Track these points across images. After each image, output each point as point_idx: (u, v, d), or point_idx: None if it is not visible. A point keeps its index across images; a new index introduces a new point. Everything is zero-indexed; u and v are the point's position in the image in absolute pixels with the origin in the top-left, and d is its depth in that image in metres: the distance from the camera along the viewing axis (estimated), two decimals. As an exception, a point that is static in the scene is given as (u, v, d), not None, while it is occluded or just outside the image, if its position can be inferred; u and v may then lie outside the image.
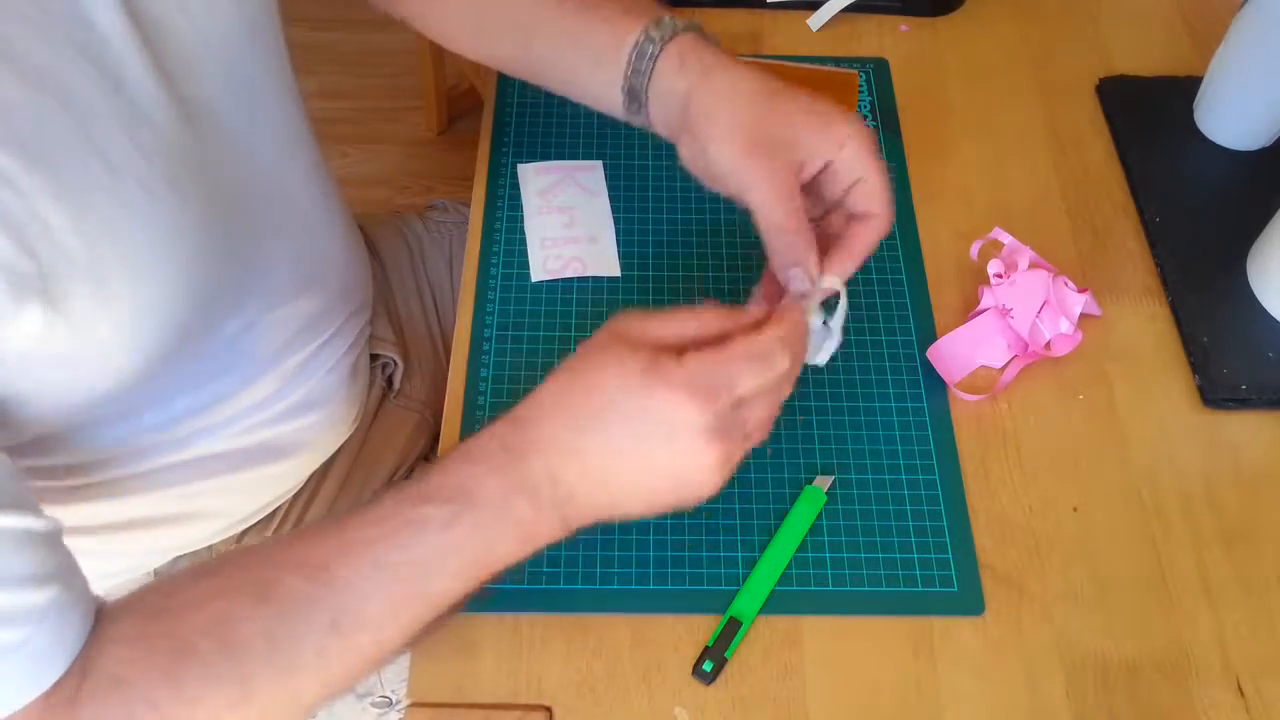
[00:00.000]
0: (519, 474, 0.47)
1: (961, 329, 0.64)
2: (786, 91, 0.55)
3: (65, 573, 0.45)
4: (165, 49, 0.49)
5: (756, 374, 0.47)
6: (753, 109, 0.54)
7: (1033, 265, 0.64)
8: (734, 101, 0.54)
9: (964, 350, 0.64)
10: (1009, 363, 0.64)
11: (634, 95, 0.57)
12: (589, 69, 0.59)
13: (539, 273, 0.68)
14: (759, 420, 0.49)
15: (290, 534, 0.51)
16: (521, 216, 0.71)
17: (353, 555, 0.46)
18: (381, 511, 0.47)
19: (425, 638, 0.49)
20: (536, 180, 0.72)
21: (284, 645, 0.45)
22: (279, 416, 0.66)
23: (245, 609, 0.45)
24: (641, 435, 0.46)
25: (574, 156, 0.74)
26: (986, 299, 0.65)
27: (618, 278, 0.68)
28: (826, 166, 0.54)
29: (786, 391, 0.50)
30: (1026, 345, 0.63)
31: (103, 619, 0.46)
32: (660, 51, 0.55)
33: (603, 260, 0.69)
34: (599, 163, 0.73)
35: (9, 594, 0.42)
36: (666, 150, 0.74)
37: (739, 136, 0.54)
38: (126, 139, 0.46)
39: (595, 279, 0.68)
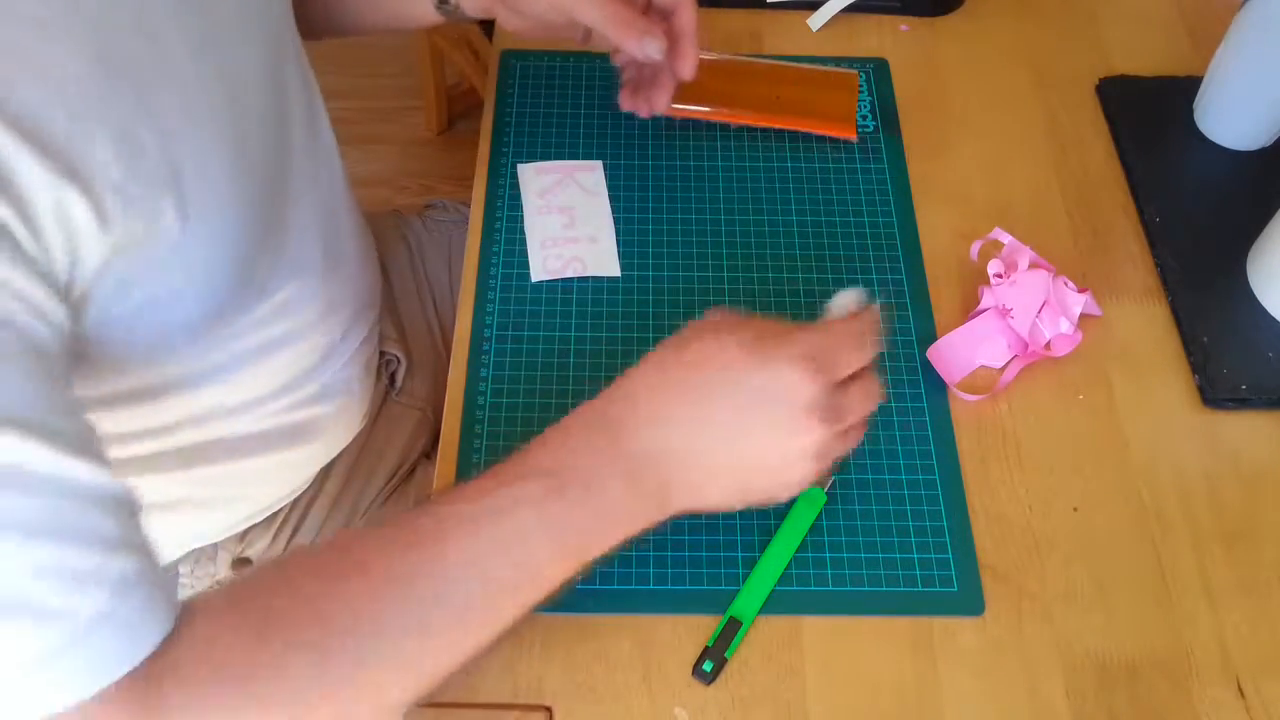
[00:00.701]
0: (616, 450, 0.48)
1: (961, 329, 0.64)
2: None
3: (149, 545, 0.43)
4: (212, 10, 0.51)
5: (858, 356, 0.49)
6: None
7: (1033, 265, 0.64)
8: None
9: (964, 350, 0.64)
10: (1009, 363, 0.64)
11: None
12: None
13: (539, 273, 0.68)
14: (857, 415, 0.50)
15: (386, 517, 0.51)
16: (521, 216, 0.71)
17: (451, 532, 0.46)
18: (481, 487, 0.47)
19: (514, 628, 0.48)
20: (536, 180, 0.72)
21: (383, 621, 0.44)
22: (304, 401, 0.67)
23: (341, 585, 0.45)
24: (745, 407, 0.47)
25: (574, 156, 0.74)
26: (986, 299, 0.65)
27: (618, 278, 0.68)
28: None
29: (876, 396, 0.51)
30: (1026, 345, 0.63)
31: (192, 600, 0.45)
32: None
33: (603, 260, 0.69)
34: (599, 163, 0.73)
35: (95, 555, 0.40)
36: (666, 150, 0.74)
37: None
38: (196, 75, 0.48)
39: (595, 279, 0.68)
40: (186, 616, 0.43)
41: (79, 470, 0.40)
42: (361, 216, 0.74)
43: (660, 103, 0.67)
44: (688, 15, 0.62)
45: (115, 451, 0.59)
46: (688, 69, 0.63)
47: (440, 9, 0.67)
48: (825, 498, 0.59)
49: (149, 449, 0.61)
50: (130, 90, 0.44)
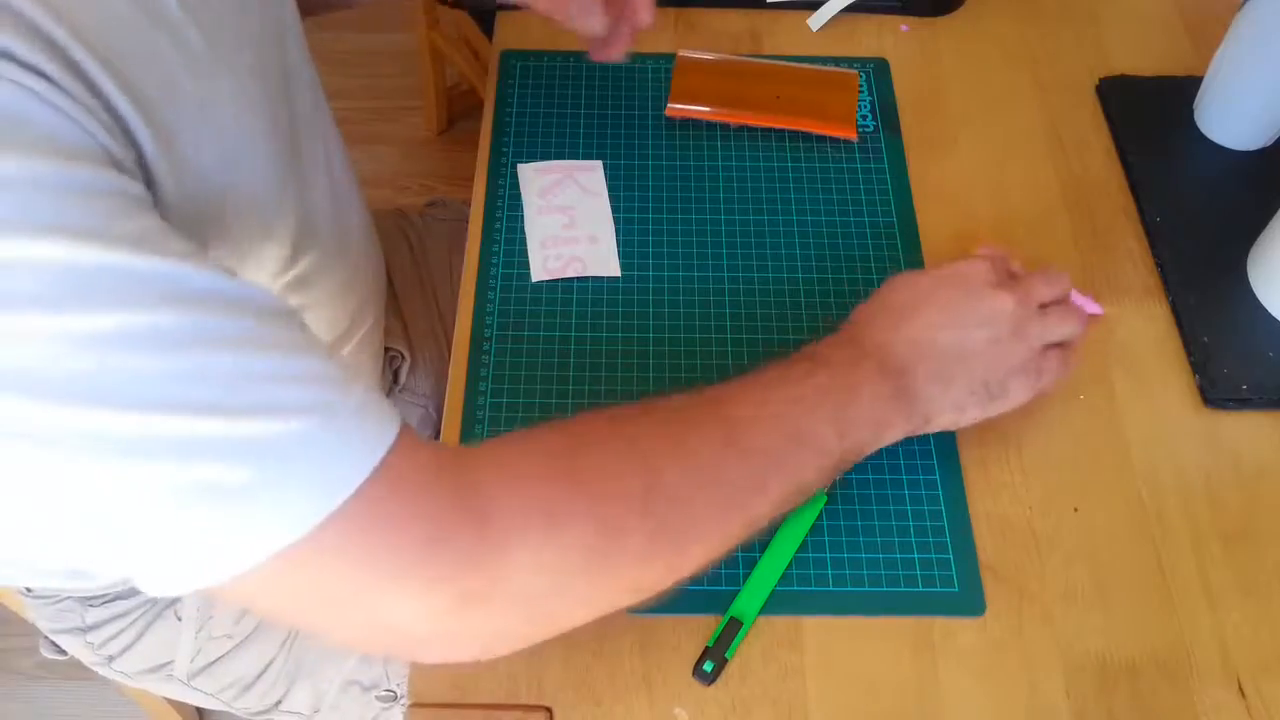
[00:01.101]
0: (859, 346, 0.55)
1: None
2: None
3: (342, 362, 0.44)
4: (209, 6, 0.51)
5: (1045, 287, 0.58)
6: None
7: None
8: None
9: None
10: None
11: None
12: None
13: (539, 272, 0.68)
14: (1044, 294, 0.58)
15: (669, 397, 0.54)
16: (521, 216, 0.71)
17: (737, 393, 0.51)
18: (752, 374, 0.53)
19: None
20: (536, 180, 0.72)
21: (685, 448, 0.48)
22: None
23: (648, 427, 0.49)
24: (947, 301, 0.56)
25: (574, 156, 0.74)
26: None
27: (617, 278, 0.68)
28: None
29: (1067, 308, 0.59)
30: None
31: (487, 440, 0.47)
32: None
33: (603, 260, 0.69)
34: (599, 163, 0.73)
35: (309, 359, 0.40)
36: (667, 150, 0.74)
37: None
38: (219, 28, 0.48)
39: (595, 279, 0.68)
40: (483, 449, 0.45)
41: (261, 293, 0.40)
42: (365, 205, 0.74)
43: (618, 51, 0.67)
44: None
45: None
46: (645, 17, 0.66)
47: None
48: (825, 498, 0.59)
49: None
50: (164, 37, 0.44)
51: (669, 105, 0.76)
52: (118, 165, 0.39)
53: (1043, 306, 0.57)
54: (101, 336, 0.35)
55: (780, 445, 0.50)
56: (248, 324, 0.39)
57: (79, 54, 0.38)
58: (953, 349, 0.55)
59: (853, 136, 0.75)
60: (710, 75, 0.77)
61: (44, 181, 0.35)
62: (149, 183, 0.43)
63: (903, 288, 0.58)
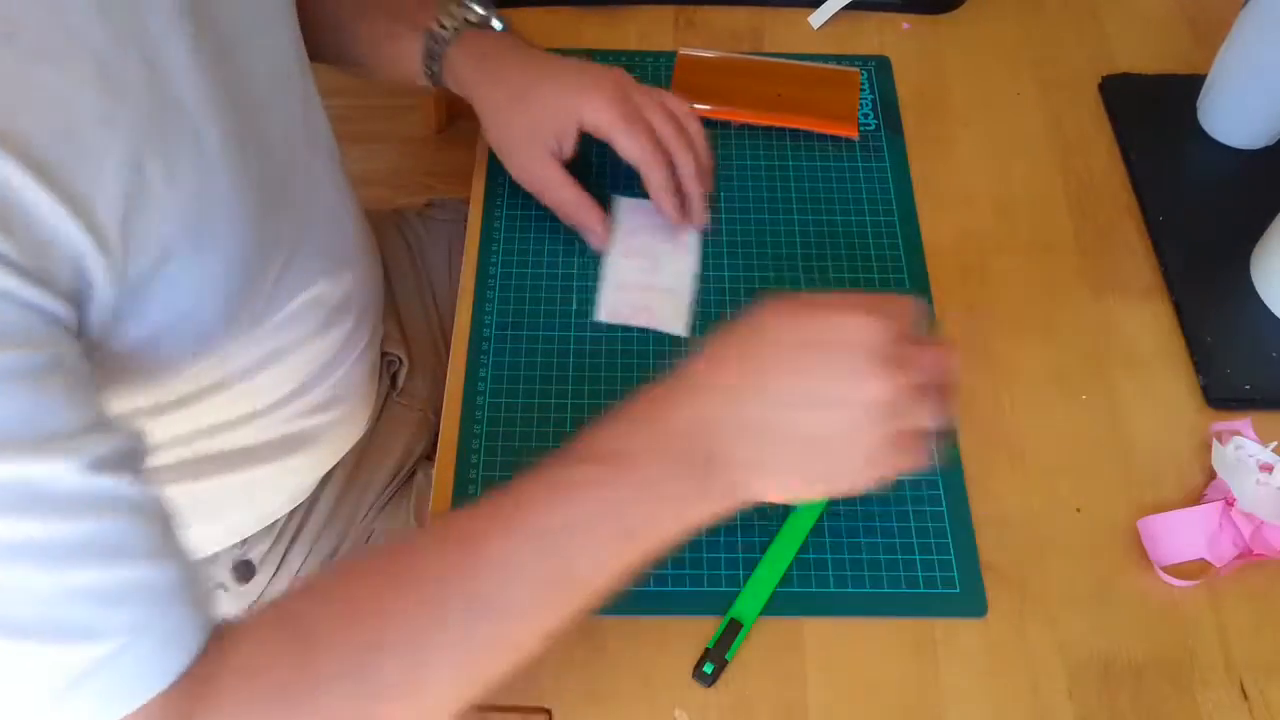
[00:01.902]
0: (670, 429, 0.45)
1: (1185, 512, 0.58)
2: (536, 87, 0.65)
3: (188, 557, 0.43)
4: (220, 18, 0.50)
5: (906, 314, 0.47)
6: (500, 118, 0.66)
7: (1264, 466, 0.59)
8: (489, 118, 0.67)
9: (1185, 536, 0.58)
10: (1231, 560, 0.57)
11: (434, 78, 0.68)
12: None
13: (604, 313, 0.65)
14: (927, 369, 0.46)
15: (437, 518, 0.51)
16: (521, 215, 0.70)
17: (499, 526, 0.44)
18: (534, 476, 0.46)
19: (573, 625, 0.45)
20: (629, 218, 0.70)
21: (421, 629, 0.43)
22: (309, 410, 0.67)
23: (392, 593, 0.44)
24: (800, 367, 0.45)
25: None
26: (1216, 489, 0.59)
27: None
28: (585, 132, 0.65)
29: (945, 359, 0.48)
30: (1248, 544, 0.57)
31: (237, 620, 0.44)
32: (441, 70, 0.67)
33: (672, 316, 0.66)
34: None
35: (135, 568, 0.39)
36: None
37: (500, 151, 0.67)
38: (200, 100, 0.48)
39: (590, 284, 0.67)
40: (231, 637, 0.43)
41: (111, 484, 0.40)
42: (362, 213, 0.74)
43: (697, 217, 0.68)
44: (655, 184, 0.66)
45: None
46: (695, 218, 0.68)
47: (427, 74, 0.68)
48: (827, 499, 0.58)
49: (159, 461, 0.60)
50: (132, 119, 0.43)
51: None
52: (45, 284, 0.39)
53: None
54: None
55: (541, 591, 0.44)
56: (86, 527, 0.39)
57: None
58: (790, 439, 0.45)
59: (854, 135, 0.74)
60: (711, 73, 0.77)
61: None
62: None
63: (753, 328, 0.47)
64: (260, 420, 0.64)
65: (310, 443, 0.69)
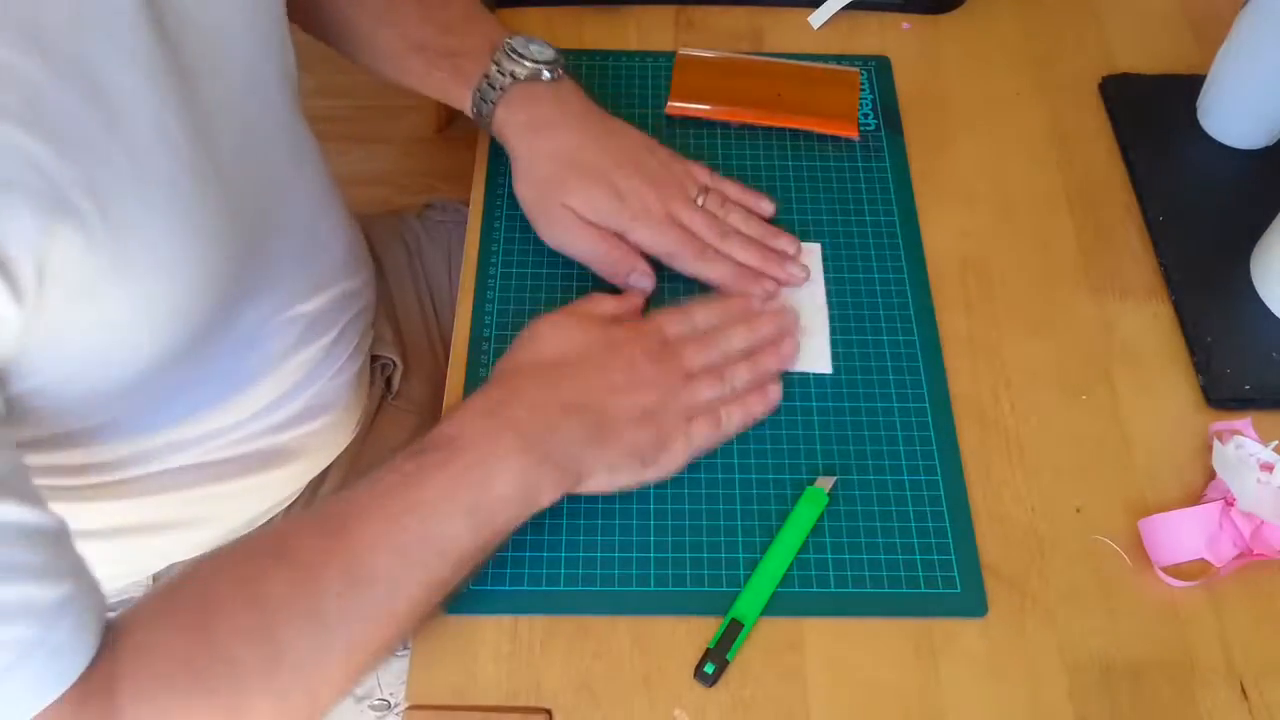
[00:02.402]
0: (502, 415, 0.53)
1: (1186, 512, 0.58)
2: (565, 173, 0.65)
3: (79, 569, 0.44)
4: (185, 43, 0.49)
5: (678, 323, 0.60)
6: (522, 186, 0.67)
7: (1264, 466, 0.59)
8: (518, 179, 0.67)
9: (1185, 537, 0.58)
10: (1232, 560, 0.57)
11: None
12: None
13: None
14: (691, 361, 0.59)
15: (310, 507, 0.54)
16: (520, 215, 0.70)
17: (364, 511, 0.50)
18: (386, 470, 0.51)
19: (441, 595, 0.51)
20: None
21: (305, 597, 0.47)
22: (286, 423, 0.66)
23: (266, 569, 0.48)
24: (569, 349, 0.57)
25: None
26: (1216, 488, 0.59)
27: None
28: None
29: (724, 342, 0.61)
30: (1248, 544, 0.57)
31: (127, 610, 0.46)
32: (493, 117, 0.67)
33: (815, 355, 0.64)
34: (816, 245, 0.68)
35: (21, 587, 0.41)
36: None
37: (531, 215, 0.67)
38: (153, 134, 0.46)
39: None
40: (122, 628, 0.45)
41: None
42: (354, 224, 0.73)
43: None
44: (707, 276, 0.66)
45: (98, 476, 0.59)
46: (791, 275, 0.67)
47: (476, 114, 0.68)
48: (827, 498, 0.58)
49: (116, 477, 0.60)
50: (72, 163, 0.42)
51: (669, 104, 0.75)
52: None
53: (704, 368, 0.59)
54: None
55: (405, 562, 0.49)
56: None
57: None
58: (605, 415, 0.55)
59: (854, 135, 0.74)
60: (711, 73, 0.77)
61: None
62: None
63: (554, 340, 0.58)
64: (225, 437, 0.63)
65: (286, 457, 0.68)
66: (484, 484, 0.51)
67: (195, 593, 0.48)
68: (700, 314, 0.62)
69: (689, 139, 0.75)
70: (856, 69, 0.78)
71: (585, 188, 0.64)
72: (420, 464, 0.51)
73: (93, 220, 0.43)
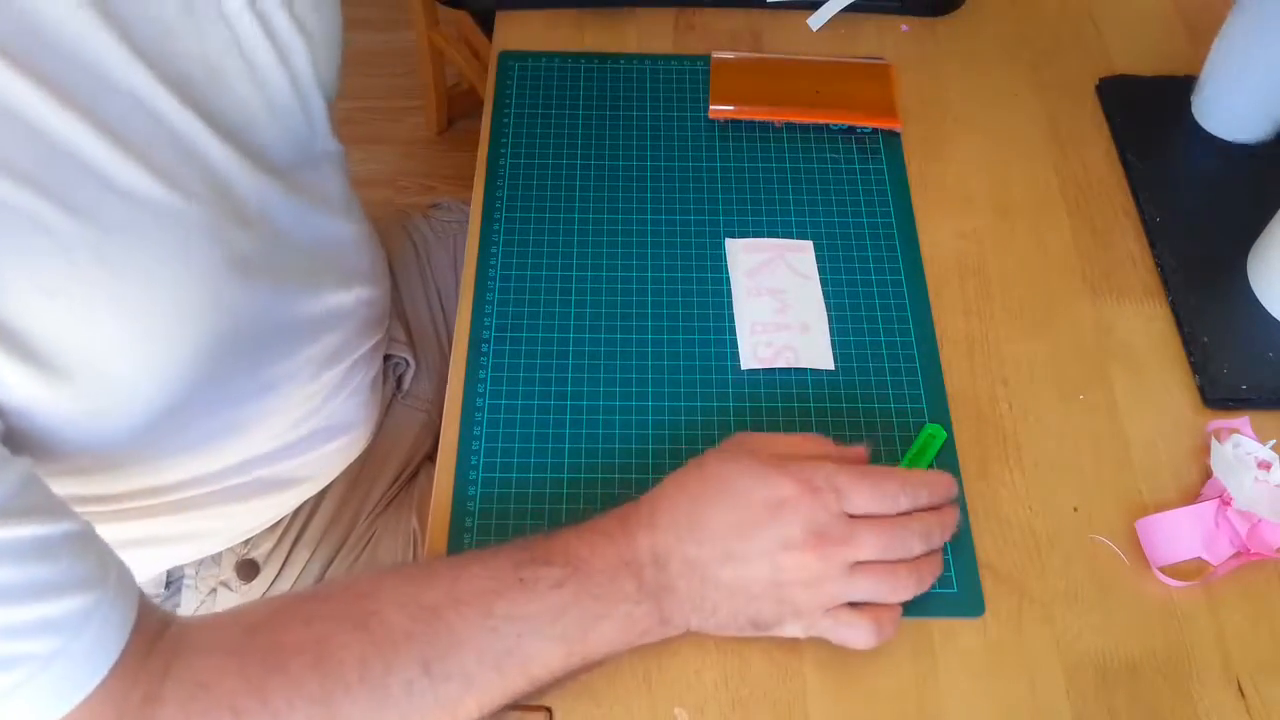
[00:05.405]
0: (630, 548, 0.50)
1: (1183, 511, 0.58)
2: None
3: (104, 564, 0.44)
4: (216, 105, 0.50)
5: (866, 491, 0.50)
6: None
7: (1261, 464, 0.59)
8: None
9: (1183, 537, 0.58)
10: (1229, 559, 0.57)
11: None
12: None
13: (749, 360, 0.64)
14: (866, 548, 0.49)
15: (402, 570, 0.51)
16: (520, 216, 0.70)
17: (461, 603, 0.47)
18: (497, 565, 0.49)
19: (512, 702, 0.49)
20: (745, 259, 0.68)
21: (375, 676, 0.45)
22: (297, 449, 0.67)
23: (344, 634, 0.46)
24: (740, 519, 0.49)
25: (570, 156, 0.73)
26: (1212, 487, 0.59)
27: (615, 276, 0.67)
28: None
29: (907, 540, 0.51)
30: (1245, 543, 0.57)
31: (194, 628, 0.46)
32: None
33: (816, 352, 0.64)
34: (809, 243, 0.69)
35: (37, 607, 0.41)
36: (664, 150, 0.74)
37: None
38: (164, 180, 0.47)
39: (590, 273, 0.68)
40: (185, 646, 0.44)
41: (13, 531, 0.40)
42: (377, 244, 0.72)
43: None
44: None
45: (104, 506, 0.59)
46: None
47: None
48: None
49: (131, 506, 0.60)
50: (56, 219, 0.43)
51: (711, 108, 0.75)
52: None
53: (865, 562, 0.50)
54: None
55: (488, 669, 0.47)
56: None
57: None
58: (729, 584, 0.49)
59: (898, 126, 0.74)
60: (747, 74, 0.77)
61: None
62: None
63: (714, 468, 0.51)
64: (241, 468, 0.64)
65: (302, 476, 0.69)
66: (595, 621, 0.49)
67: (266, 643, 0.46)
68: (891, 486, 0.51)
69: (686, 140, 0.74)
70: (889, 62, 0.78)
71: None
72: (536, 575, 0.48)
73: (100, 282, 0.45)
